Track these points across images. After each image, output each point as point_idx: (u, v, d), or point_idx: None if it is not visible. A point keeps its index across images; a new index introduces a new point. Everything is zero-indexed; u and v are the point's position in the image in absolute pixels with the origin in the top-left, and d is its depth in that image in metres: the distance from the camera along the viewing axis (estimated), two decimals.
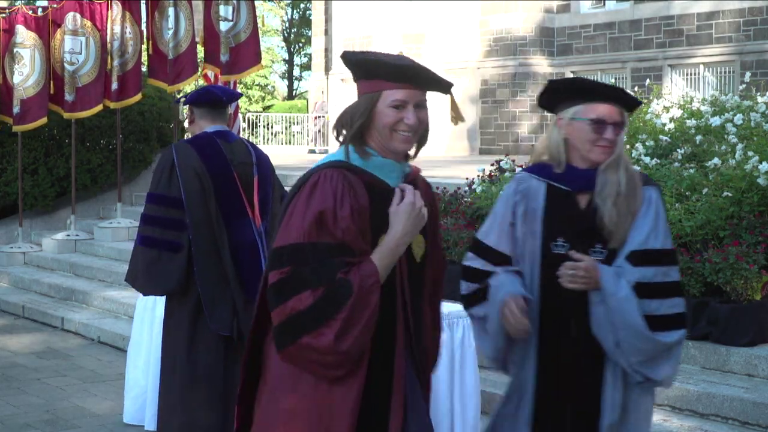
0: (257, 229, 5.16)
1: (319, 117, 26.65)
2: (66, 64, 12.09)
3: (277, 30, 52.72)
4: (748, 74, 10.09)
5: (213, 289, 4.97)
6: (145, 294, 5.30)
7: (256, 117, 29.99)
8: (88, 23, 12.18)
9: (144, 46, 12.19)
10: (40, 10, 12.51)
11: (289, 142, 29.19)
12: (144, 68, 12.48)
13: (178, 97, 5.65)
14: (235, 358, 5.11)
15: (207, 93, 5.22)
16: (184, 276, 4.94)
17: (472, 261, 3.57)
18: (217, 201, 5.02)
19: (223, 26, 11.57)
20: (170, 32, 11.62)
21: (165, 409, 5.10)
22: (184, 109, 5.77)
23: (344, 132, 2.89)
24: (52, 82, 12.11)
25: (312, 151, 25.80)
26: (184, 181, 4.97)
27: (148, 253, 4.97)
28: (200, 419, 5.03)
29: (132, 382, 6.25)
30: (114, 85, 12.12)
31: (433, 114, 3.00)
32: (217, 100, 5.21)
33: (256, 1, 11.89)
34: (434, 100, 3.01)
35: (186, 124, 5.39)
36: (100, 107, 12.27)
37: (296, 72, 54.43)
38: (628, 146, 7.99)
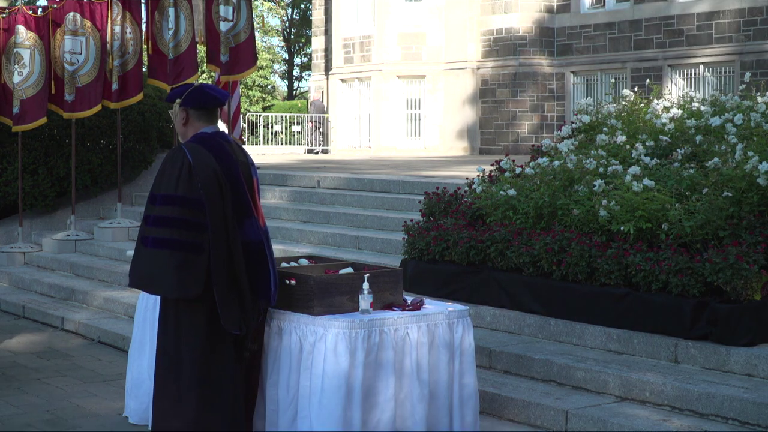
0: (262, 228, 5.18)
1: (313, 117, 26.53)
2: (66, 64, 12.09)
3: (278, 30, 52.72)
4: (747, 74, 10.07)
5: (226, 289, 4.99)
6: (173, 296, 5.01)
7: (256, 117, 29.98)
8: (88, 23, 12.18)
9: (144, 46, 12.19)
10: (40, 10, 12.50)
11: (289, 142, 29.19)
12: (144, 68, 12.48)
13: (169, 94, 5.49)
14: (237, 360, 5.13)
15: (205, 95, 5.18)
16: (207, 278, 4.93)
17: None
18: (231, 201, 5.04)
19: (223, 26, 11.57)
20: (170, 32, 11.63)
21: (168, 410, 5.08)
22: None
23: None
24: (52, 82, 12.10)
25: (311, 151, 25.75)
26: (203, 182, 4.93)
27: (176, 256, 4.88)
28: (210, 422, 5.03)
29: (137, 381, 6.24)
30: (114, 86, 12.12)
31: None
32: (217, 102, 5.22)
33: (257, 0, 11.94)
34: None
35: (177, 125, 5.26)
36: (99, 107, 12.27)
37: (296, 72, 54.44)
38: (627, 146, 7.99)
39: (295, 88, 53.97)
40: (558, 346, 6.73)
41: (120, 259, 11.32)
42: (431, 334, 5.29)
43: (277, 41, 53.82)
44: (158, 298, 5.66)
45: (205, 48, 11.90)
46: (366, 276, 5.25)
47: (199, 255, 4.91)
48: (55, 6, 12.28)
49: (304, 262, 5.95)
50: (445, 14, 23.63)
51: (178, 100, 5.14)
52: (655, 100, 9.17)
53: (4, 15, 12.34)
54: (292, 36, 53.06)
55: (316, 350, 5.07)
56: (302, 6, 50.21)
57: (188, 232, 4.92)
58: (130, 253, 5.34)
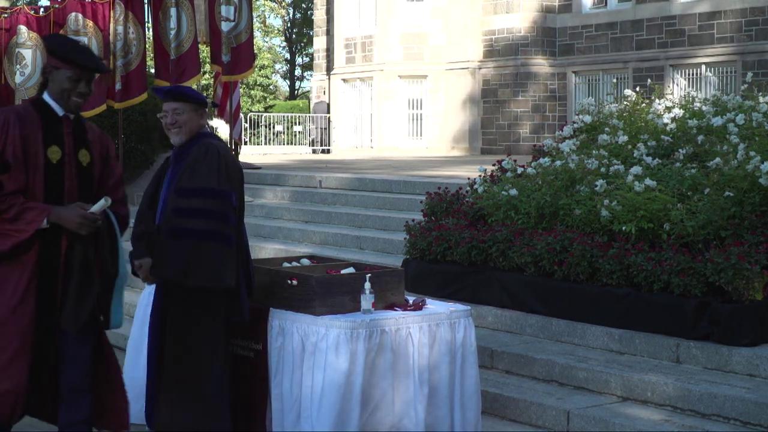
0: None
1: (317, 118, 26.52)
2: None
3: (279, 30, 52.74)
4: (749, 74, 10.06)
5: (251, 279, 5.18)
6: (219, 287, 4.96)
7: (258, 117, 29.99)
8: (90, 23, 12.19)
9: (148, 47, 12.22)
10: (42, 10, 12.51)
11: (291, 142, 29.18)
12: (152, 69, 12.51)
13: (211, 100, 5.72)
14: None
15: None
16: None
17: None
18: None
19: (225, 26, 11.59)
20: (173, 32, 11.65)
21: (190, 412, 5.12)
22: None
23: None
24: None
25: (315, 151, 25.75)
26: (236, 178, 5.06)
27: (222, 248, 4.93)
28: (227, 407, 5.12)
29: (135, 381, 6.22)
30: (117, 86, 12.13)
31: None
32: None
33: (258, 0, 12.01)
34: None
35: (194, 121, 5.32)
36: (103, 107, 12.28)
37: (298, 72, 54.46)
38: (629, 146, 7.99)
39: (296, 88, 53.98)
40: (560, 346, 6.73)
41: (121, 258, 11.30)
42: (433, 334, 5.29)
43: (278, 41, 53.87)
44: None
45: (208, 48, 11.93)
46: (368, 276, 5.26)
47: (234, 247, 4.98)
48: (57, 6, 12.29)
49: (305, 262, 5.96)
50: (447, 14, 23.62)
51: (210, 99, 5.30)
52: (657, 100, 9.17)
53: (5, 15, 12.36)
54: (293, 36, 53.06)
55: (317, 350, 5.07)
56: (304, 6, 50.21)
57: (226, 225, 4.97)
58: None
